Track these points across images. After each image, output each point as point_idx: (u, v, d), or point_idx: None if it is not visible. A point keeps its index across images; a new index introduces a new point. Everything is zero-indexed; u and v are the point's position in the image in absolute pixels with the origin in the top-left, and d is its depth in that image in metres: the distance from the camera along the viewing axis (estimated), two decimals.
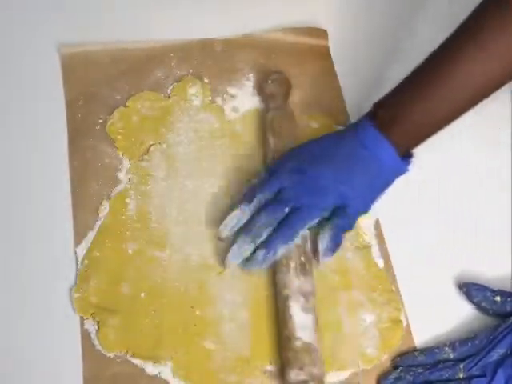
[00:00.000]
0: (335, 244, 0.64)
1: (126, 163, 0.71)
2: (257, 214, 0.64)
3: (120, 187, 0.69)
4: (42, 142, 0.71)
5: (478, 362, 0.61)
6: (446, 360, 0.62)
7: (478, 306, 0.66)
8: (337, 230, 0.64)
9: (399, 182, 0.70)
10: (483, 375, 0.60)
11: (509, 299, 0.64)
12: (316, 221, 0.64)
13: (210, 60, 0.78)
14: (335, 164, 0.64)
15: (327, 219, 0.64)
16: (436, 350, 0.63)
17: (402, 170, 0.65)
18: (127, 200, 0.69)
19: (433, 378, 0.61)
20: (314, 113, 0.76)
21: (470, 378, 0.61)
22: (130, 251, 0.66)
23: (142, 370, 0.62)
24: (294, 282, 0.63)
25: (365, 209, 0.66)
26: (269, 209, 0.63)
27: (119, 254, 0.66)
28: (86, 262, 0.65)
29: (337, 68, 0.79)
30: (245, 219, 0.64)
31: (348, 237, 0.69)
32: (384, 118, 0.63)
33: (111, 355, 0.62)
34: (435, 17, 0.82)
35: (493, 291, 0.65)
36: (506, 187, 0.73)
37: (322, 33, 0.81)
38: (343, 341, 0.64)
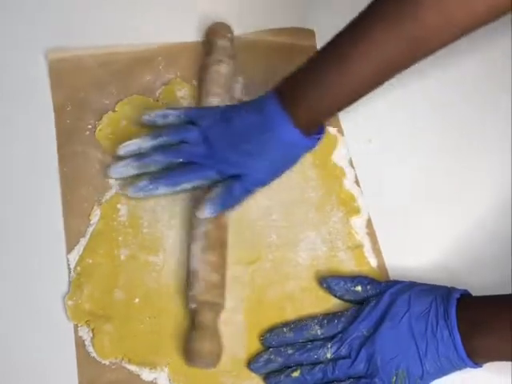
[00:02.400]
0: (219, 204, 0.65)
1: None
2: (155, 150, 0.67)
3: (111, 192, 0.69)
4: (31, 149, 0.71)
5: (344, 341, 0.61)
6: (315, 338, 0.63)
7: (341, 299, 0.66)
8: (227, 191, 0.65)
9: (392, 179, 0.71)
10: (349, 356, 0.61)
11: (368, 287, 0.65)
12: (205, 181, 0.66)
13: (198, 63, 0.77)
14: (238, 133, 0.64)
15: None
16: (304, 326, 0.63)
17: (306, 147, 0.65)
18: (118, 205, 0.68)
19: (303, 360, 0.62)
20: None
21: (336, 359, 0.61)
22: (122, 257, 0.66)
23: (138, 376, 0.62)
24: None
25: (262, 181, 0.66)
26: (168, 152, 0.66)
27: (112, 260, 0.66)
28: (78, 269, 0.65)
29: None
30: (143, 150, 0.67)
31: (340, 237, 0.70)
32: (287, 93, 0.63)
33: (106, 362, 0.62)
34: None
35: (352, 281, 0.65)
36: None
37: (309, 33, 0.80)
38: None
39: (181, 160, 0.66)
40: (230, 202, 0.66)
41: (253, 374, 0.63)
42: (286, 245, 0.69)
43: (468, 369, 0.60)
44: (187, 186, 0.67)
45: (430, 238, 0.71)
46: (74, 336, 0.63)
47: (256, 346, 0.64)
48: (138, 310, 0.64)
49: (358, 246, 0.70)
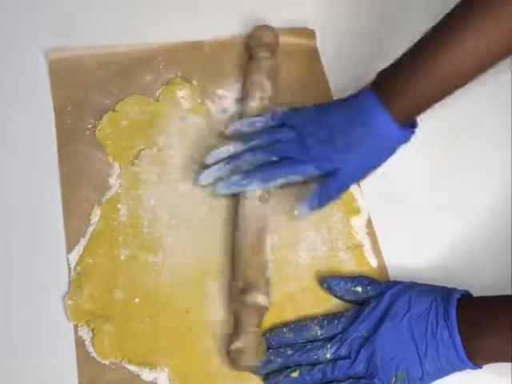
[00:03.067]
0: (316, 201, 0.65)
1: (116, 168, 0.71)
2: (245, 152, 0.67)
3: (111, 192, 0.69)
4: (31, 149, 0.71)
5: (344, 341, 0.61)
6: (314, 338, 0.63)
7: (341, 299, 0.66)
8: (323, 187, 0.65)
9: (392, 179, 0.71)
10: (348, 356, 0.61)
11: (369, 287, 0.65)
12: (301, 176, 0.66)
13: (199, 62, 0.77)
14: (334, 129, 0.64)
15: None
16: (304, 327, 0.63)
17: (401, 140, 0.64)
18: (118, 205, 0.68)
19: (302, 360, 0.62)
20: None
21: (336, 359, 0.61)
22: (122, 257, 0.66)
23: (138, 376, 0.62)
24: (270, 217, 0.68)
25: (360, 175, 0.67)
26: (259, 152, 0.66)
27: (112, 260, 0.66)
28: (78, 269, 0.65)
29: (325, 68, 0.79)
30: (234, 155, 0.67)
31: (340, 237, 0.70)
32: (385, 87, 0.63)
33: (106, 362, 0.62)
34: (421, 17, 0.82)
35: (352, 282, 0.65)
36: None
37: (310, 33, 0.80)
38: None
39: (274, 158, 0.66)
40: (326, 198, 0.66)
41: (252, 375, 0.63)
42: (286, 245, 0.69)
43: (468, 370, 0.60)
44: (282, 180, 0.66)
45: (430, 238, 0.71)
46: (74, 336, 0.63)
47: None
48: (138, 309, 0.64)
49: (358, 246, 0.70)
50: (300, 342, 0.63)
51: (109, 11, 0.78)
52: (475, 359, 0.59)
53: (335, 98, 0.77)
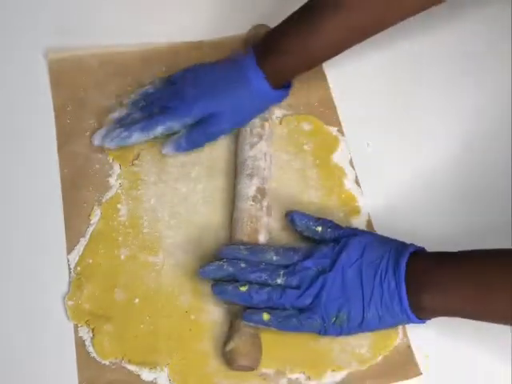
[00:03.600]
0: (185, 143, 0.70)
1: (116, 168, 0.71)
2: (133, 112, 0.72)
3: (111, 192, 0.69)
4: (31, 149, 0.71)
5: (297, 272, 0.62)
6: (269, 262, 0.63)
7: (301, 234, 0.67)
8: (191, 132, 0.70)
9: (392, 179, 0.71)
10: (298, 287, 0.61)
11: (329, 229, 0.65)
12: (177, 124, 0.70)
13: (199, 62, 0.77)
14: (210, 82, 0.70)
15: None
16: (260, 250, 0.64)
17: (273, 99, 0.71)
18: (119, 205, 0.68)
19: (252, 278, 0.62)
20: (305, 114, 0.76)
21: (285, 287, 0.61)
22: (122, 257, 0.66)
23: (138, 376, 0.62)
24: (264, 219, 0.68)
25: (229, 125, 0.71)
26: (144, 108, 0.71)
27: (112, 260, 0.66)
28: (78, 269, 0.65)
29: (325, 69, 0.79)
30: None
31: None
32: (262, 48, 0.69)
33: (106, 362, 0.62)
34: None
35: (316, 221, 0.66)
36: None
37: None
38: (337, 341, 0.64)
39: (155, 110, 0.70)
40: (192, 143, 0.70)
41: (253, 375, 0.63)
42: (286, 244, 0.68)
43: (412, 325, 0.61)
44: (161, 129, 0.69)
45: (430, 239, 0.71)
46: (74, 336, 0.63)
47: None
48: (138, 310, 0.64)
49: None
50: (254, 261, 0.63)
51: (108, 11, 0.79)
52: (420, 313, 0.60)
53: (335, 96, 0.77)
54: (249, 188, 0.68)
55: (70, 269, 0.65)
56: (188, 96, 0.69)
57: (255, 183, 0.69)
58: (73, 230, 0.67)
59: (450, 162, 0.76)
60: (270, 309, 0.61)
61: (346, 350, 0.64)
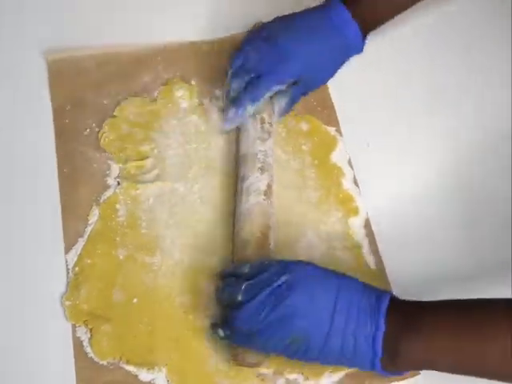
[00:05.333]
0: (290, 105, 0.71)
1: (115, 168, 0.70)
2: (231, 80, 0.71)
3: (109, 192, 0.69)
4: (30, 149, 0.71)
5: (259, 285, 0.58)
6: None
7: None
8: (293, 94, 0.71)
9: (390, 179, 0.72)
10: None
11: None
12: (278, 86, 0.69)
13: (197, 62, 0.77)
14: (301, 35, 0.69)
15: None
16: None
17: (360, 48, 0.70)
18: (117, 206, 0.68)
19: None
20: (303, 114, 0.76)
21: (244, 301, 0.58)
22: (120, 257, 0.66)
23: (136, 376, 0.62)
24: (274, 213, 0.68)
25: (322, 81, 0.72)
26: (238, 75, 0.70)
27: (110, 260, 0.66)
28: (76, 269, 0.65)
29: None
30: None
31: (338, 237, 0.70)
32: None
33: (104, 363, 0.62)
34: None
35: None
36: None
37: None
38: None
39: (253, 75, 0.69)
40: (292, 103, 0.72)
41: (250, 375, 0.63)
42: (284, 244, 0.69)
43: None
44: (268, 93, 0.69)
45: (428, 239, 0.71)
46: (72, 336, 0.63)
47: None
48: (136, 310, 0.64)
49: (357, 247, 0.70)
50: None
51: (107, 12, 0.78)
52: (392, 363, 0.56)
53: (333, 96, 0.77)
54: (260, 182, 0.67)
55: (67, 269, 0.65)
56: (282, 55, 0.68)
57: (266, 178, 0.68)
58: (71, 230, 0.67)
59: (449, 161, 0.76)
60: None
61: None
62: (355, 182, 0.73)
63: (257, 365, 0.62)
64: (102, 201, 0.68)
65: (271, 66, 0.68)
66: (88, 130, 0.72)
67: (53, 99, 0.73)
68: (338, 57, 0.70)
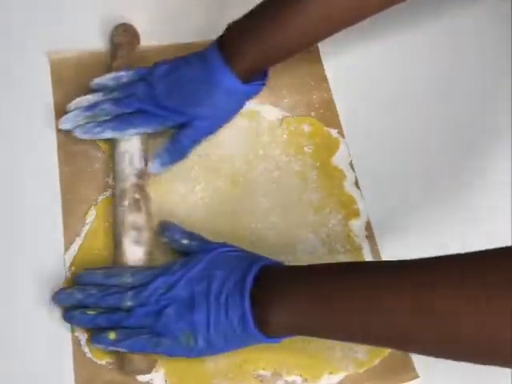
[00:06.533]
0: (166, 157, 0.69)
1: None
2: (103, 102, 0.69)
3: (108, 193, 0.69)
4: (32, 148, 0.71)
5: (144, 291, 0.59)
6: (122, 285, 0.61)
7: (168, 245, 0.66)
8: (175, 142, 0.69)
9: (392, 182, 0.71)
10: (145, 305, 0.59)
11: (194, 242, 0.64)
12: (150, 129, 0.69)
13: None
14: (184, 84, 0.68)
15: None
16: (115, 272, 0.62)
17: (248, 94, 0.69)
18: None
19: (102, 304, 0.60)
20: (305, 116, 0.76)
21: (136, 306, 0.59)
22: None
23: (134, 376, 0.61)
24: (128, 217, 0.65)
25: (209, 129, 0.70)
26: (115, 103, 0.68)
27: (106, 260, 0.65)
28: (73, 268, 0.65)
29: (326, 70, 0.79)
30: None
31: (339, 239, 0.70)
32: (229, 45, 0.66)
33: (103, 362, 0.62)
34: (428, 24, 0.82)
35: (183, 233, 0.65)
36: None
37: None
38: (334, 344, 0.64)
39: (128, 111, 0.68)
40: (177, 153, 0.69)
41: (249, 377, 0.63)
42: (284, 246, 0.69)
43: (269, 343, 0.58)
44: (133, 131, 0.68)
45: (429, 243, 0.71)
46: (71, 335, 0.62)
47: (252, 347, 0.62)
48: None
49: (357, 249, 0.70)
50: (108, 285, 0.61)
51: (112, 11, 0.78)
52: (268, 330, 0.57)
53: (335, 97, 0.77)
54: (114, 200, 0.68)
55: (65, 268, 0.65)
56: (164, 101, 0.67)
57: (117, 192, 0.68)
58: (70, 230, 0.67)
59: (451, 165, 0.75)
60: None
61: (343, 352, 0.64)
62: (356, 185, 0.73)
63: (147, 371, 0.61)
64: (99, 201, 0.68)
65: (149, 109, 0.68)
66: None
67: (55, 98, 0.73)
68: (221, 104, 0.68)
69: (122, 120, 0.68)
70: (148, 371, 0.61)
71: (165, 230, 0.66)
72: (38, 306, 0.63)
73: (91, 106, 0.69)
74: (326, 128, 0.75)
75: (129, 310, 0.59)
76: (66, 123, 0.69)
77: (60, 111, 0.72)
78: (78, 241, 0.66)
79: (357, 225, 0.71)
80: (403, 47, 0.80)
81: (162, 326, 0.58)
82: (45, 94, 0.73)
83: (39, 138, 0.71)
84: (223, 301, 0.57)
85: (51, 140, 0.71)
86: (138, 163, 0.68)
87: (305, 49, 0.69)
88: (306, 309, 0.56)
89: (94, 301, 0.60)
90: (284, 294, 0.56)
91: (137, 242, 0.65)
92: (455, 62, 0.81)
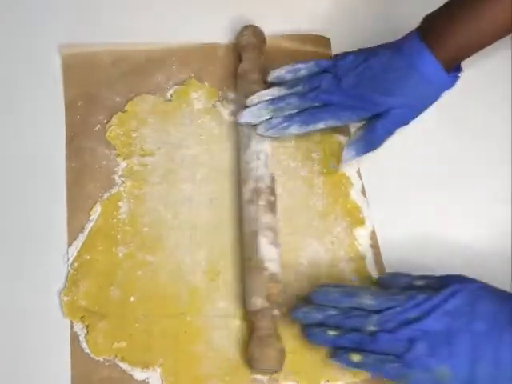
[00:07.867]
0: (362, 145, 0.68)
1: (122, 166, 0.70)
2: (290, 95, 0.68)
3: (113, 190, 0.69)
4: (41, 143, 0.71)
5: (392, 319, 0.57)
6: (361, 307, 0.59)
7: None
8: (369, 131, 0.67)
9: (399, 191, 0.71)
10: (391, 331, 0.57)
11: (429, 280, 0.61)
12: (340, 121, 0.68)
13: (212, 64, 0.77)
14: (377, 74, 0.66)
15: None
16: (354, 293, 0.60)
17: (446, 85, 0.66)
18: (120, 203, 0.68)
19: (344, 325, 0.59)
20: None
21: (380, 331, 0.57)
22: (120, 255, 0.66)
23: (131, 375, 0.61)
24: (263, 218, 0.66)
25: (404, 120, 0.68)
26: (303, 96, 0.68)
27: (109, 257, 0.66)
28: (75, 264, 0.65)
29: None
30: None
31: (343, 247, 0.69)
32: (430, 32, 0.64)
33: (100, 359, 0.62)
34: None
35: (417, 278, 0.62)
36: None
37: (324, 41, 0.80)
38: None
39: (316, 104, 0.68)
40: (373, 142, 0.68)
41: (245, 380, 0.62)
42: (288, 252, 0.68)
43: None
44: (321, 125, 0.68)
45: (435, 254, 0.70)
46: (70, 331, 0.62)
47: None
48: (133, 308, 0.63)
49: (361, 258, 0.69)
50: (346, 306, 0.60)
51: (123, 9, 0.79)
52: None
53: None
54: (244, 195, 0.68)
55: (68, 264, 0.65)
56: (355, 94, 0.66)
57: (249, 188, 0.68)
58: (74, 226, 0.67)
59: (459, 175, 0.75)
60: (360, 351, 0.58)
61: None
62: (363, 193, 0.73)
63: (271, 372, 0.62)
64: (105, 198, 0.68)
65: (337, 101, 0.67)
66: (99, 126, 0.72)
67: (65, 94, 0.73)
68: (418, 94, 0.66)
69: (310, 114, 0.68)
70: (279, 370, 0.61)
71: (390, 279, 0.64)
72: (38, 302, 0.63)
73: (276, 100, 0.69)
74: (334, 135, 0.75)
75: (372, 334, 0.58)
76: (250, 117, 0.69)
77: (70, 106, 0.72)
78: (82, 237, 0.66)
79: (361, 233, 0.71)
80: None
81: (414, 358, 0.56)
82: (56, 88, 0.73)
83: (48, 133, 0.71)
84: (495, 341, 0.54)
85: (60, 135, 0.71)
86: (270, 167, 0.69)
87: (501, 38, 0.66)
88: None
89: (335, 322, 0.59)
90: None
91: (273, 242, 0.65)
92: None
